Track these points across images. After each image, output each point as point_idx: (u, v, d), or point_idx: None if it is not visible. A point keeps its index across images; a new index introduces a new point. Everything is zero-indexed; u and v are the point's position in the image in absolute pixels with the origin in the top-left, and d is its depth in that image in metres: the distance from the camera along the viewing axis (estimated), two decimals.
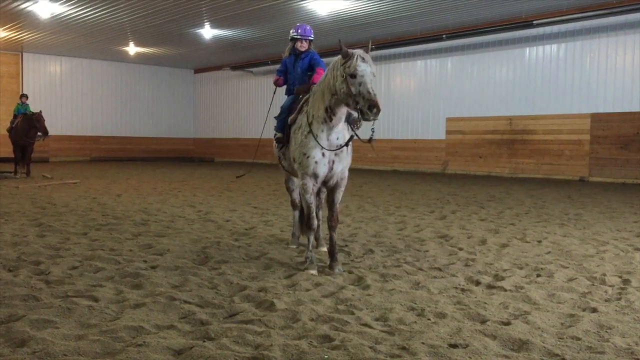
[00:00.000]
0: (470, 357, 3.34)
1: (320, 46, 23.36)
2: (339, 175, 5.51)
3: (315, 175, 5.40)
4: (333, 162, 5.39)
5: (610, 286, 4.95)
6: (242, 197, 11.83)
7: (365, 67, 4.94)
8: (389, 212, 9.66)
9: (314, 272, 5.28)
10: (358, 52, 5.03)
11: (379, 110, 4.82)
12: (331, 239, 5.56)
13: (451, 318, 4.02)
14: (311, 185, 5.45)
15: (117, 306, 4.20)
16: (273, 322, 3.90)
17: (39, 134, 16.41)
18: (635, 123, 16.10)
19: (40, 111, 16.70)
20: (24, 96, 17.59)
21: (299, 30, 6.05)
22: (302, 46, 6.04)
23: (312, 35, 6.10)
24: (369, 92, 4.85)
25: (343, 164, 5.49)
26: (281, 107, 6.02)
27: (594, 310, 4.24)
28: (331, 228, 5.58)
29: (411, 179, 17.69)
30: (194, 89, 32.12)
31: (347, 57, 4.99)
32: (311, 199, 5.51)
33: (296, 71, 6.10)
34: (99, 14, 18.24)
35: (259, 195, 12.17)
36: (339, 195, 5.63)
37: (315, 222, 5.68)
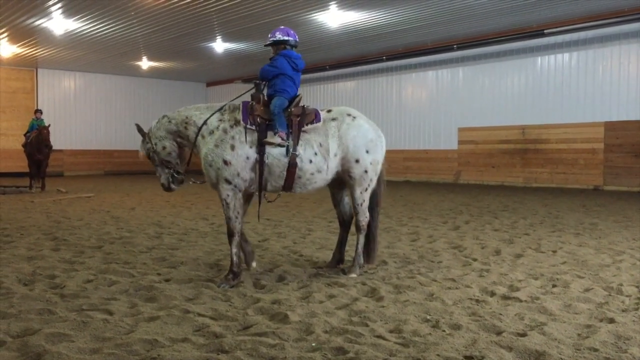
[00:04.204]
0: None
1: (332, 58, 23.67)
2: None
3: None
4: None
5: (627, 296, 4.89)
6: (254, 209, 11.81)
7: None
8: (402, 223, 9.63)
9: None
10: None
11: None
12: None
13: (466, 329, 3.99)
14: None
15: (132, 319, 4.21)
16: (287, 334, 3.89)
17: (50, 145, 16.48)
18: None
19: (49, 125, 16.84)
20: (38, 111, 17.78)
21: None
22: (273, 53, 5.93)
23: (275, 37, 5.82)
24: None
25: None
26: None
27: (611, 320, 4.19)
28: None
29: (423, 189, 17.63)
30: (207, 102, 32.21)
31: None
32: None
33: None
34: (113, 29, 18.45)
35: (270, 207, 12.18)
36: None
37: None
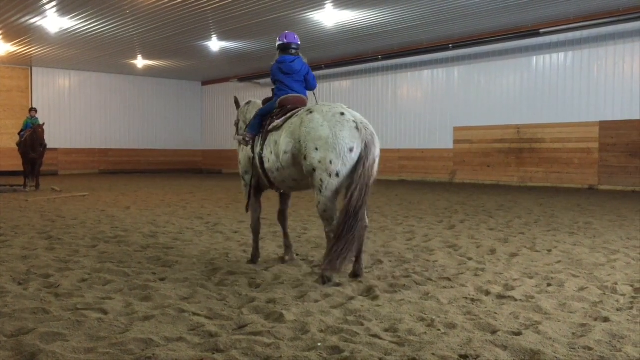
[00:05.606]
0: None
1: (327, 57, 23.69)
2: None
3: None
4: None
5: (621, 295, 4.91)
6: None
7: None
8: (397, 222, 9.63)
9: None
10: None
11: None
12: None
13: (461, 328, 4.00)
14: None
15: (126, 319, 4.20)
16: (282, 333, 3.88)
17: (44, 144, 16.47)
18: None
19: (43, 123, 16.83)
20: (33, 110, 17.74)
21: None
22: None
23: (276, 44, 6.32)
24: None
25: None
26: None
27: (606, 319, 4.20)
28: None
29: (419, 188, 17.65)
30: (202, 101, 32.28)
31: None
32: None
33: None
34: (108, 27, 18.41)
35: (266, 207, 12.15)
36: None
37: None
